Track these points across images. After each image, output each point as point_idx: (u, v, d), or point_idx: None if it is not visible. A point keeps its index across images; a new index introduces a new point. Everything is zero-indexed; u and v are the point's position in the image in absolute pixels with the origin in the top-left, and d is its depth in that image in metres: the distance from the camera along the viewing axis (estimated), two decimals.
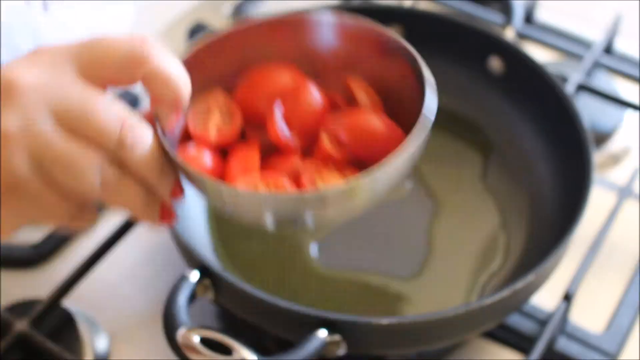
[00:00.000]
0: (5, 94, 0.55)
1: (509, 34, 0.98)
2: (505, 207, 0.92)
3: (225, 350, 0.68)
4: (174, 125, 0.65)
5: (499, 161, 0.95)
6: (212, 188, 0.61)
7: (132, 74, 0.58)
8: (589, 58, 1.06)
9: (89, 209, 0.62)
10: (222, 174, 0.66)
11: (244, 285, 0.74)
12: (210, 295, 0.76)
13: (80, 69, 0.57)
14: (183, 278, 0.74)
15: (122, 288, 0.91)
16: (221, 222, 0.90)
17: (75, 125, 0.56)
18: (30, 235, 0.93)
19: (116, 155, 0.57)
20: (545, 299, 0.86)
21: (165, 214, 0.63)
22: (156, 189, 0.60)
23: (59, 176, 0.56)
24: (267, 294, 0.74)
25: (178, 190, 0.62)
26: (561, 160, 0.91)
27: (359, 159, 0.67)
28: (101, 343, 0.86)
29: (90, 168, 0.56)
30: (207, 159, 0.66)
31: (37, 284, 0.90)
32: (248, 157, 0.67)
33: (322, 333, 0.71)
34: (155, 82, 0.59)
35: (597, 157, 0.98)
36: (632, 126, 1.06)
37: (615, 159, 1.03)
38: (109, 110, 0.57)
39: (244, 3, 1.19)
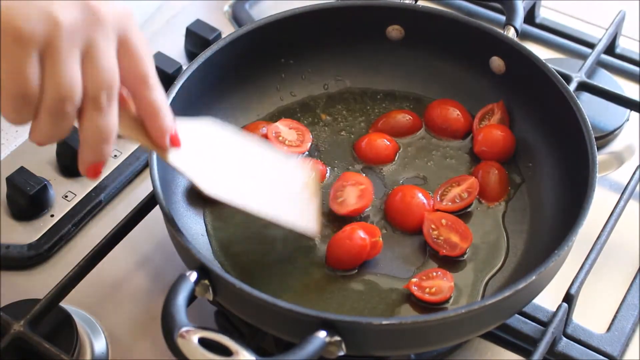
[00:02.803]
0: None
1: (510, 34, 0.97)
2: (507, 207, 0.91)
3: (225, 350, 0.67)
4: None
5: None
6: None
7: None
8: (591, 57, 1.06)
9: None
10: None
11: (243, 286, 0.74)
12: (209, 295, 0.76)
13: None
14: (182, 278, 0.73)
15: (121, 289, 0.91)
16: (221, 223, 0.90)
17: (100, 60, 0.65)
18: (27, 234, 0.93)
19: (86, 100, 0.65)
20: (547, 300, 0.86)
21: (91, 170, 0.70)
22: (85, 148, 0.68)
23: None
24: (266, 295, 0.74)
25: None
26: (563, 160, 0.90)
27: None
28: (99, 344, 0.85)
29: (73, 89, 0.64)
30: None
31: (35, 284, 0.90)
32: None
33: (322, 334, 0.71)
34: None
35: (599, 156, 0.97)
36: (633, 126, 1.06)
37: (619, 159, 1.03)
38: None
39: (244, 3, 1.19)
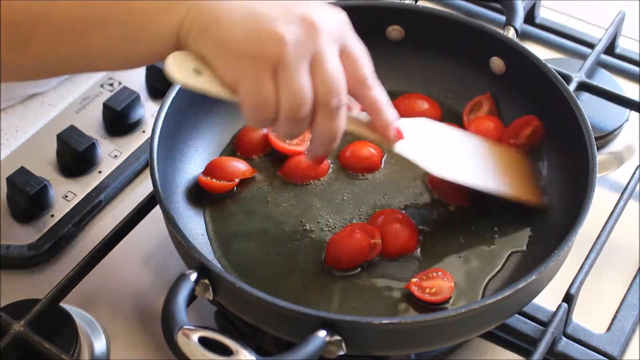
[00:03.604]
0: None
1: (510, 34, 0.97)
2: (507, 207, 0.91)
3: (225, 350, 0.67)
4: None
5: None
6: None
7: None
8: (590, 57, 1.06)
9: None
10: None
11: (243, 286, 0.74)
12: (209, 295, 0.76)
13: None
14: (182, 278, 0.73)
15: (121, 288, 0.91)
16: (221, 223, 0.90)
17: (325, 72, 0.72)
18: (27, 235, 0.93)
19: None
20: (547, 300, 0.86)
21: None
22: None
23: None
24: (266, 294, 0.74)
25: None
26: (563, 160, 0.90)
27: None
28: (100, 344, 0.85)
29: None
30: None
31: (35, 284, 0.90)
32: None
33: (322, 333, 0.71)
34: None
35: (599, 156, 0.97)
36: (633, 126, 1.06)
37: (619, 159, 1.03)
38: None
39: None
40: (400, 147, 0.83)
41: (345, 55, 0.74)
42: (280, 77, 0.70)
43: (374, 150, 0.95)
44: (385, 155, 0.95)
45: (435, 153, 0.87)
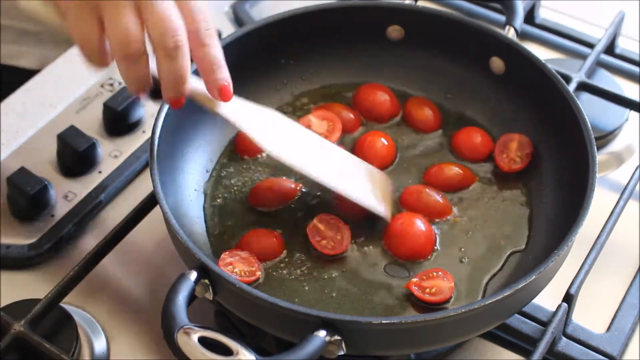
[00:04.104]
0: None
1: (510, 34, 0.98)
2: (507, 207, 0.91)
3: (225, 350, 0.67)
4: None
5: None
6: None
7: None
8: (590, 57, 1.06)
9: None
10: None
11: (243, 285, 0.74)
12: (209, 295, 0.76)
13: None
14: (182, 278, 0.73)
15: (121, 288, 0.91)
16: (221, 223, 0.90)
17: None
18: (27, 234, 0.93)
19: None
20: (547, 299, 0.86)
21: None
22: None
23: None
24: (266, 294, 0.74)
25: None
26: (563, 160, 0.90)
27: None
28: (100, 344, 0.85)
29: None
30: None
31: (35, 284, 0.90)
32: None
33: (322, 333, 0.71)
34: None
35: (599, 156, 0.97)
36: (633, 126, 1.06)
37: (619, 159, 1.03)
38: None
39: (244, 3, 1.19)
40: (224, 109, 0.80)
41: (180, 5, 0.75)
42: (105, 18, 0.72)
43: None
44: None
45: (276, 129, 0.85)
